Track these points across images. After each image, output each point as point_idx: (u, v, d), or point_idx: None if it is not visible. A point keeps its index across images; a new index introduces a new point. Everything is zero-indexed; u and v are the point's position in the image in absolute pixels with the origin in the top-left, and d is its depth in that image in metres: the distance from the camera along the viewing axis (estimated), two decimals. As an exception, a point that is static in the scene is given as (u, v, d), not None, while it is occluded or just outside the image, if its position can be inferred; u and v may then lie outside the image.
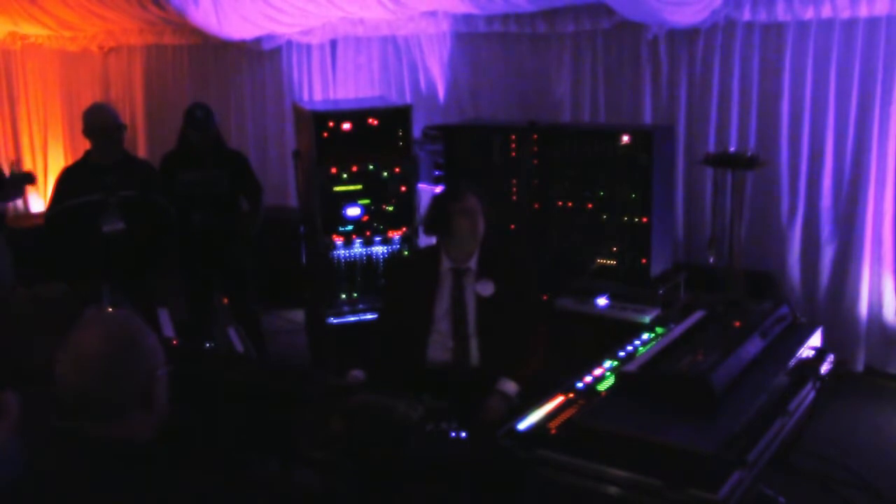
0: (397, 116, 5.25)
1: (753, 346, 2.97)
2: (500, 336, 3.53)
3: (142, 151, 8.11)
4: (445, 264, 3.61)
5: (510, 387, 3.34)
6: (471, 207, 3.55)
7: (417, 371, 3.54)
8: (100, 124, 4.63)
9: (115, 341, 1.88)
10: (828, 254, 5.23)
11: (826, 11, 4.93)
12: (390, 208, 5.24)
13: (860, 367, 5.16)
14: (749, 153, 4.62)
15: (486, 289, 3.55)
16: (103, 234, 4.33)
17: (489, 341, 3.54)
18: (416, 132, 5.67)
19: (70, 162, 6.03)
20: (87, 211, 4.39)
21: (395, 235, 5.26)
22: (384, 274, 5.15)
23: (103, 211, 4.34)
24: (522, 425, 2.68)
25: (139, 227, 4.50)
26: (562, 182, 5.01)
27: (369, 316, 5.08)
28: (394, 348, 3.63)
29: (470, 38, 6.38)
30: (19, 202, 9.31)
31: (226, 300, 5.40)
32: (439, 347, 3.57)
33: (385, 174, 5.21)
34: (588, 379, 3.02)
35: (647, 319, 4.50)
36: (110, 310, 3.45)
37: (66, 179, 4.77)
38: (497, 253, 3.66)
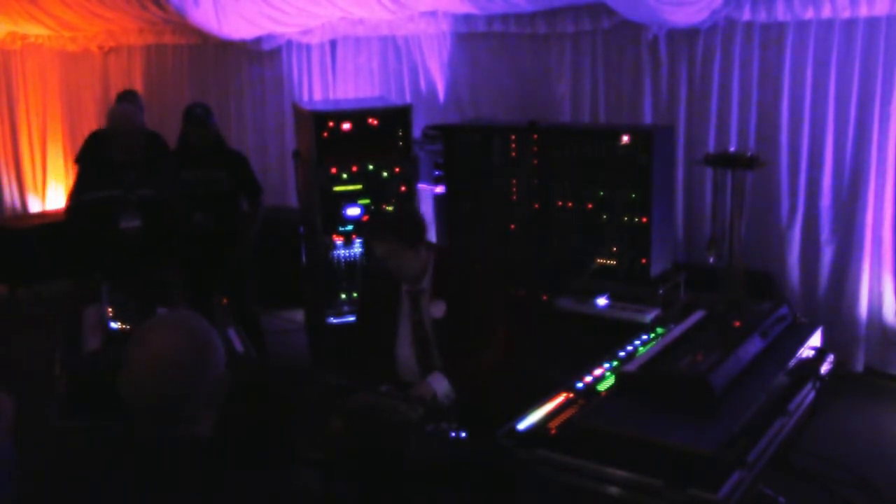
0: (397, 116, 5.25)
1: (753, 346, 2.96)
2: (461, 352, 3.44)
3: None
4: (404, 286, 3.55)
5: (438, 381, 3.29)
6: (381, 254, 3.45)
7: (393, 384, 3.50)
8: (116, 128, 4.55)
9: (195, 341, 1.86)
10: (828, 254, 5.23)
11: (826, 11, 4.93)
12: (390, 208, 5.24)
13: (860, 367, 5.16)
14: (749, 153, 4.62)
15: (439, 310, 3.48)
16: (120, 230, 4.37)
17: (452, 359, 3.46)
18: (416, 132, 5.67)
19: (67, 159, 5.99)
20: (107, 207, 4.41)
21: (395, 235, 5.25)
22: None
23: (122, 208, 4.37)
24: (522, 425, 2.68)
25: (154, 226, 4.51)
26: (562, 182, 5.01)
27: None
28: (368, 360, 3.59)
29: (470, 38, 6.38)
30: (17, 203, 9.33)
31: (226, 300, 5.40)
32: (406, 369, 3.53)
33: (385, 174, 5.21)
34: (588, 379, 3.02)
35: (647, 319, 4.50)
36: (178, 309, 3.44)
37: (84, 173, 4.74)
38: (451, 269, 3.55)
